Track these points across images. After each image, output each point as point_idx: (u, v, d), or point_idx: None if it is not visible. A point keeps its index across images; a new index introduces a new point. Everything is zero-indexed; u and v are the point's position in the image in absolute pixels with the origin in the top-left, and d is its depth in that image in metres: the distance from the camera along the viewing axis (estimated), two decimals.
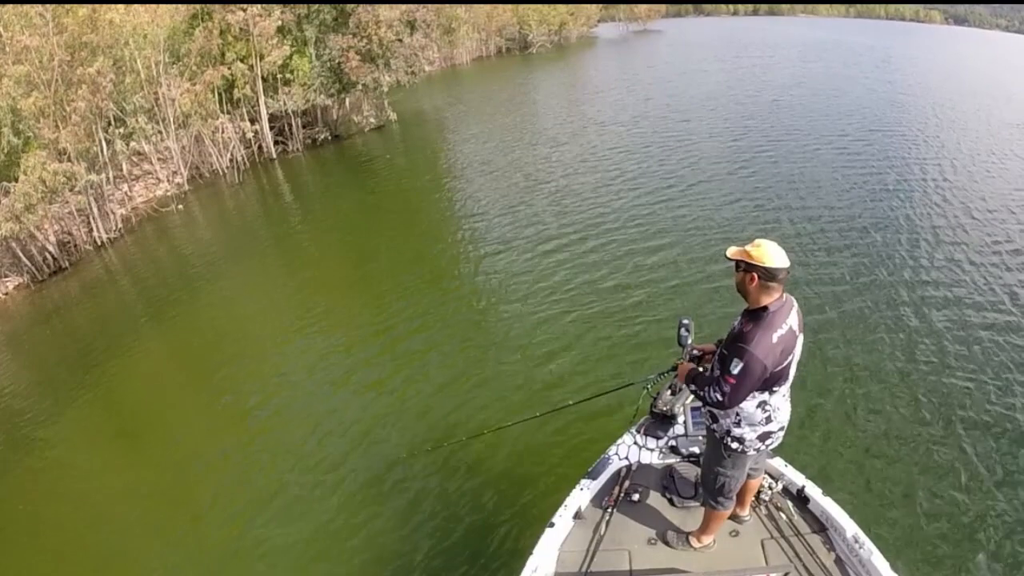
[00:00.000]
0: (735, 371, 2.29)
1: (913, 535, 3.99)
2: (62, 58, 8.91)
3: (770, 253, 2.30)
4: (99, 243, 10.40)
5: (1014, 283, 7.42)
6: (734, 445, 2.55)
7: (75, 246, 10.12)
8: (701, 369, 2.73)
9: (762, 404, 2.46)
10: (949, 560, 3.82)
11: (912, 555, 3.83)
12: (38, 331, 8.01)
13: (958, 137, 15.04)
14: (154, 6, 12.20)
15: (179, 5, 13.21)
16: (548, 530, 2.90)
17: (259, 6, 13.25)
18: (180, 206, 11.99)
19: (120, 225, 11.00)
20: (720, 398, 2.36)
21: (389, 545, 4.21)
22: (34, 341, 7.83)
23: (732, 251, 2.43)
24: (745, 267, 2.35)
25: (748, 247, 2.37)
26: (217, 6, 13.18)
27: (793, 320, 2.38)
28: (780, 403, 2.50)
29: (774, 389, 2.43)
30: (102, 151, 10.70)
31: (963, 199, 10.49)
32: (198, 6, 13.33)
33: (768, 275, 2.31)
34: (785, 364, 2.38)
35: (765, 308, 2.34)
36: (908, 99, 20.61)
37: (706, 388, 2.43)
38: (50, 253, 9.46)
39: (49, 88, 8.88)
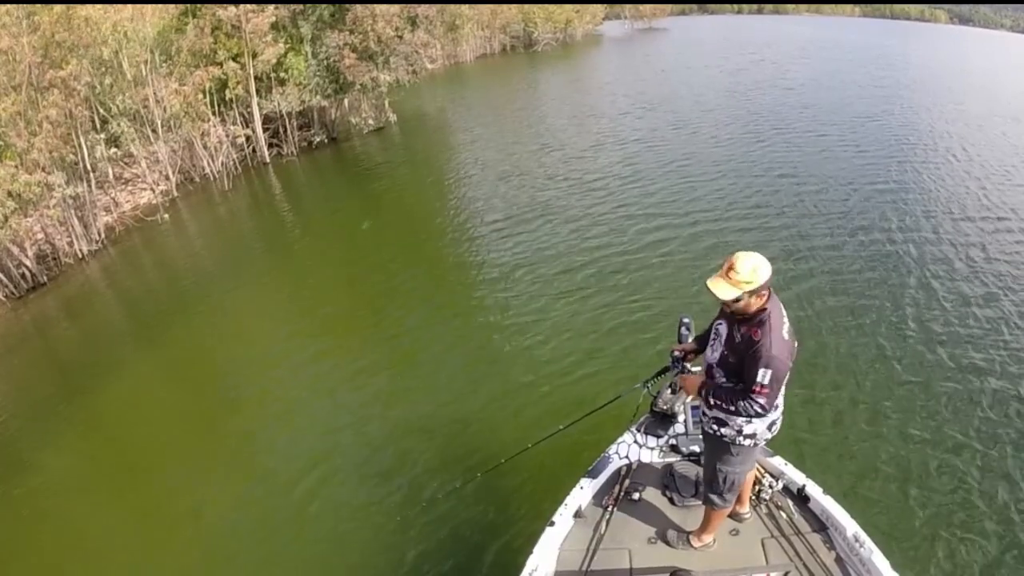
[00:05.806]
0: (765, 380, 2.33)
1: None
2: (32, 60, 8.20)
3: (761, 266, 2.33)
4: (81, 255, 9.78)
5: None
6: (746, 443, 2.58)
7: (55, 259, 9.51)
8: (723, 382, 2.61)
9: None
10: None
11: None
12: (14, 353, 7.47)
13: (948, 127, 15.94)
14: (140, 4, 11.54)
15: (170, 4, 12.56)
16: (548, 529, 2.90)
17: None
18: (167, 214, 11.34)
19: (103, 235, 10.37)
20: (760, 410, 2.40)
21: (384, 546, 4.18)
22: (10, 364, 7.28)
23: (726, 293, 2.34)
24: (750, 292, 2.34)
25: (736, 276, 2.32)
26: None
27: (783, 311, 2.45)
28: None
29: None
30: (83, 158, 10.04)
31: (949, 184, 11.21)
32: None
33: (768, 283, 2.37)
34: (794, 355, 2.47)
35: (764, 309, 2.40)
36: (902, 93, 21.43)
37: (739, 404, 2.43)
38: (27, 268, 8.85)
39: (20, 92, 8.20)
